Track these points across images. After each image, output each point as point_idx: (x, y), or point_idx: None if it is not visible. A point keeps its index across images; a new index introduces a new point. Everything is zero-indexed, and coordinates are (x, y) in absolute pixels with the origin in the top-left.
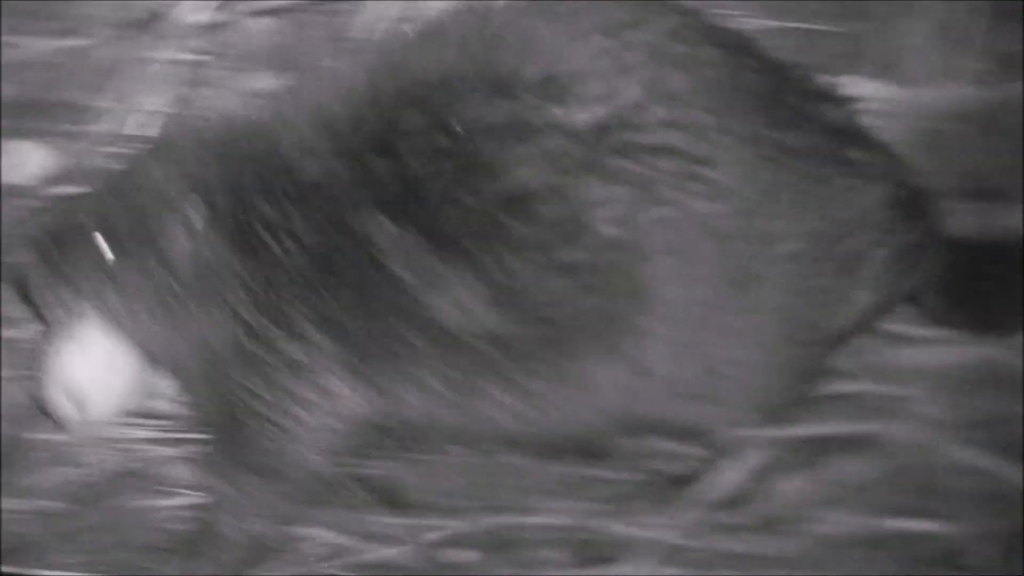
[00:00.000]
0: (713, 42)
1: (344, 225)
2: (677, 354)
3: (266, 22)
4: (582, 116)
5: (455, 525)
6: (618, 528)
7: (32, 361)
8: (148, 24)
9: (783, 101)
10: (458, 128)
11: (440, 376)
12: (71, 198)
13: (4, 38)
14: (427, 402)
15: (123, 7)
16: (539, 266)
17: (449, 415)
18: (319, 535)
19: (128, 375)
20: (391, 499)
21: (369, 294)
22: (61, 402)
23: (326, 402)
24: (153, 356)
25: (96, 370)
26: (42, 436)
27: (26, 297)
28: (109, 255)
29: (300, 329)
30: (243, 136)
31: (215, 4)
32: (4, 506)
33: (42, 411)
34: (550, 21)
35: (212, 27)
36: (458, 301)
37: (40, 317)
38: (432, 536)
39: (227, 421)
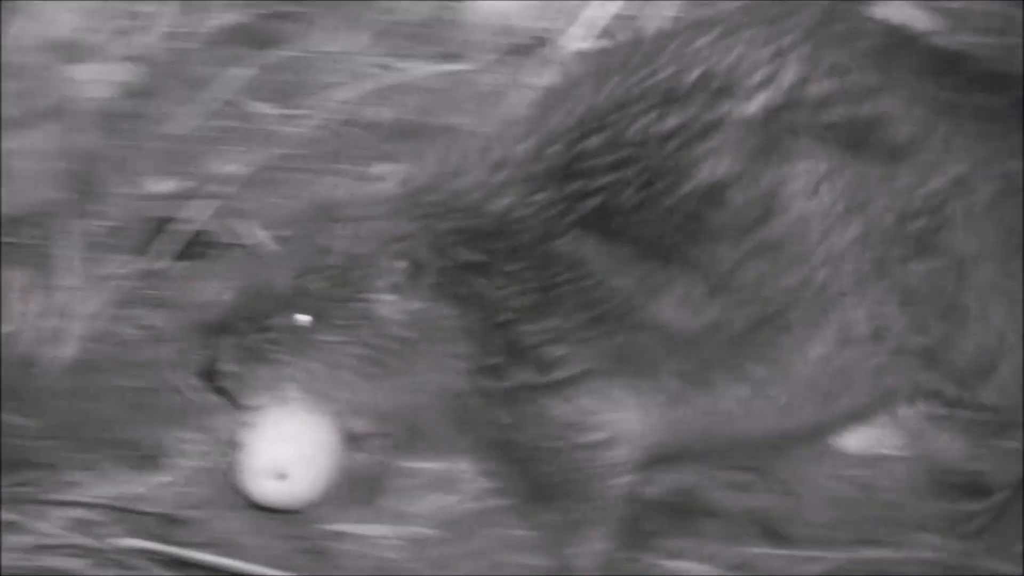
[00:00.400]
0: (871, 20)
1: (551, 253)
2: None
3: None
4: (751, 105)
5: (834, 557)
6: (992, 564)
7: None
8: (531, 50)
9: (951, 66)
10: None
11: (678, 377)
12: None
13: (386, 60)
14: (674, 411)
15: (508, 32)
16: (741, 250)
17: (692, 420)
18: (689, 568)
19: (331, 450)
20: (768, 530)
21: (598, 311)
22: (266, 483)
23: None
24: (363, 413)
25: (298, 447)
26: (417, 464)
27: (216, 384)
28: (306, 322)
29: (528, 347)
30: (423, 189)
31: (597, 32)
32: (377, 532)
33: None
34: (701, 29)
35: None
36: (679, 299)
37: (233, 401)
38: (814, 568)
39: (509, 463)
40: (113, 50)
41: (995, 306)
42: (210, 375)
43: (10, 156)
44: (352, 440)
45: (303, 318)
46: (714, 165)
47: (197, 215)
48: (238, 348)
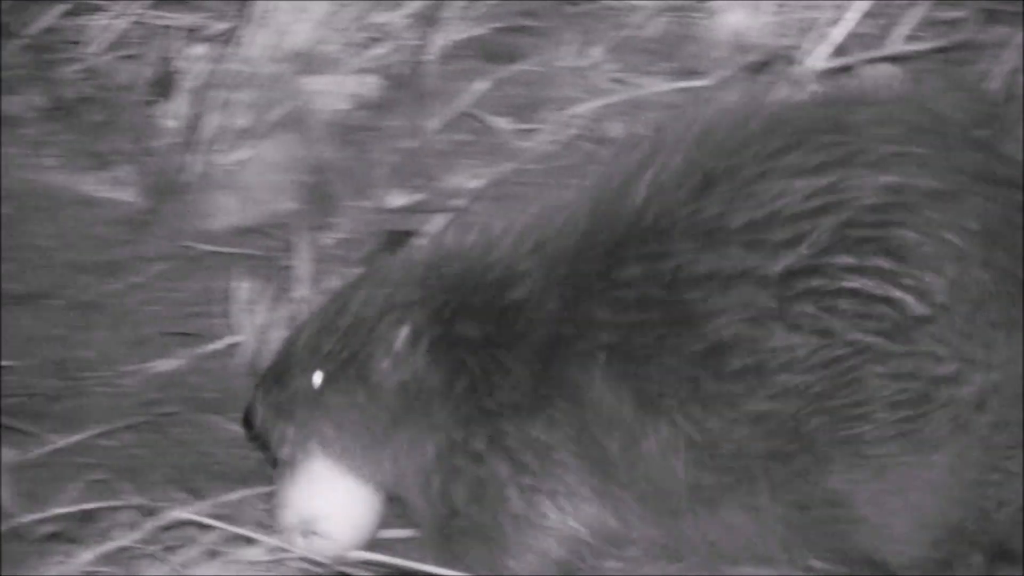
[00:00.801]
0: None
1: (551, 368)
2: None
3: (884, 68)
4: (775, 264)
5: None
6: None
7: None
8: (767, 67)
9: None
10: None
11: (641, 509)
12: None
13: (622, 75)
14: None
15: (744, 49)
16: (727, 419)
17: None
18: None
19: (362, 504)
20: None
21: (575, 431)
22: (298, 538)
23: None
24: (371, 481)
25: (329, 503)
26: None
27: (254, 435)
28: (317, 383)
29: (507, 445)
30: (449, 257)
31: (834, 48)
32: None
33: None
34: (760, 161)
35: (832, 72)
36: (655, 455)
37: (269, 454)
38: None
39: (453, 539)
40: (349, 62)
41: None
42: (248, 424)
43: (243, 167)
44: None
45: (317, 377)
46: (722, 324)
47: (431, 228)
48: (264, 405)
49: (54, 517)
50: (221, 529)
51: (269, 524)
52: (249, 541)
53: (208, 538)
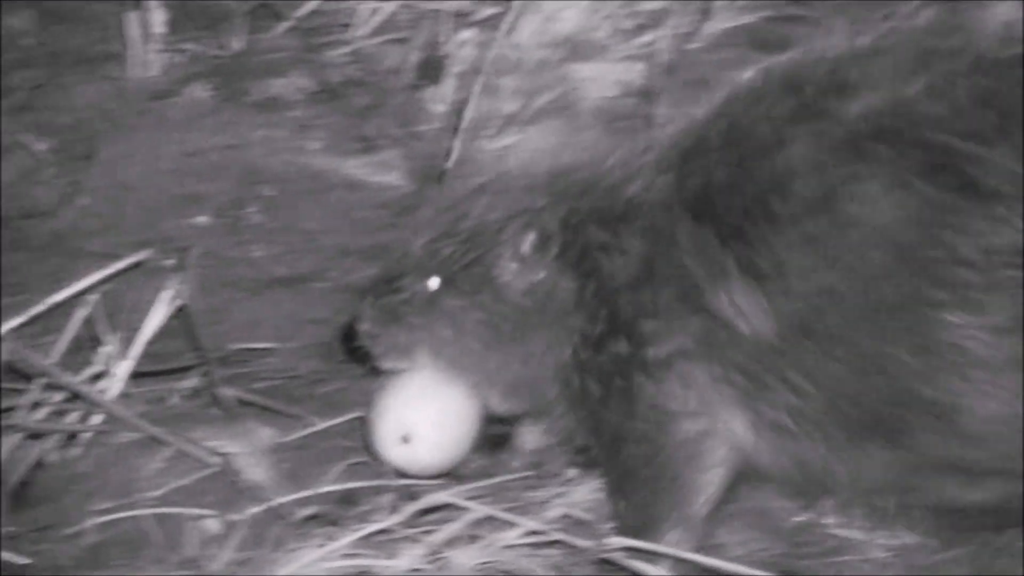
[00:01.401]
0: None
1: (654, 229)
2: None
3: None
4: (856, 104)
5: None
6: None
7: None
8: None
9: None
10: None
11: (728, 370)
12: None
13: None
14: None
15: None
16: (789, 240)
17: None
18: None
19: (461, 416)
20: None
21: (681, 290)
22: (393, 447)
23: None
24: (487, 386)
25: (429, 413)
26: None
27: (353, 347)
28: (434, 287)
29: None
30: (570, 166)
31: None
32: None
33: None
34: None
35: None
36: (740, 294)
37: (370, 362)
38: None
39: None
40: (616, 48)
41: None
42: (349, 337)
43: (507, 152)
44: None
45: (433, 281)
46: (794, 152)
47: None
48: (376, 309)
49: (314, 498)
50: (479, 512)
51: (527, 508)
52: (507, 524)
53: (466, 521)
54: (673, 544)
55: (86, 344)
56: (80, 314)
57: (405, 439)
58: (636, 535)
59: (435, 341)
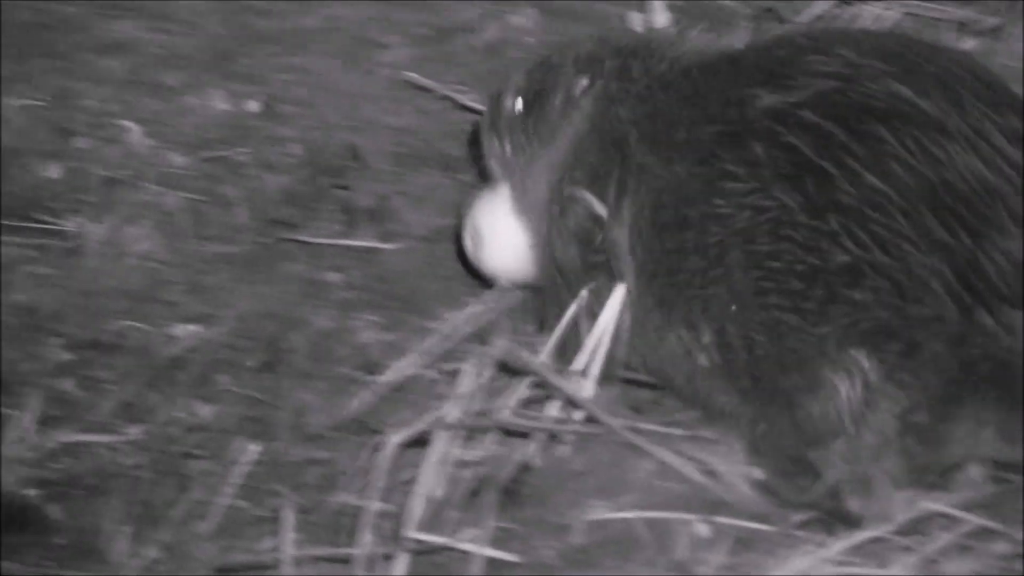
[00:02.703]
0: None
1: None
2: None
3: None
4: (768, 99)
5: None
6: None
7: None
8: None
9: None
10: None
11: None
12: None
13: None
14: None
15: None
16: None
17: None
18: None
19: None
20: None
21: None
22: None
23: None
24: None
25: (497, 223)
26: None
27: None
28: (518, 109)
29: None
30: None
31: None
32: None
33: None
34: None
35: None
36: None
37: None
38: None
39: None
40: None
41: None
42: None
43: None
44: None
45: (518, 103)
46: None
47: None
48: (489, 118)
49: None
50: (975, 522)
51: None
52: (1000, 535)
53: (958, 531)
54: None
55: (569, 342)
56: (570, 311)
57: (477, 240)
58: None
59: (514, 158)
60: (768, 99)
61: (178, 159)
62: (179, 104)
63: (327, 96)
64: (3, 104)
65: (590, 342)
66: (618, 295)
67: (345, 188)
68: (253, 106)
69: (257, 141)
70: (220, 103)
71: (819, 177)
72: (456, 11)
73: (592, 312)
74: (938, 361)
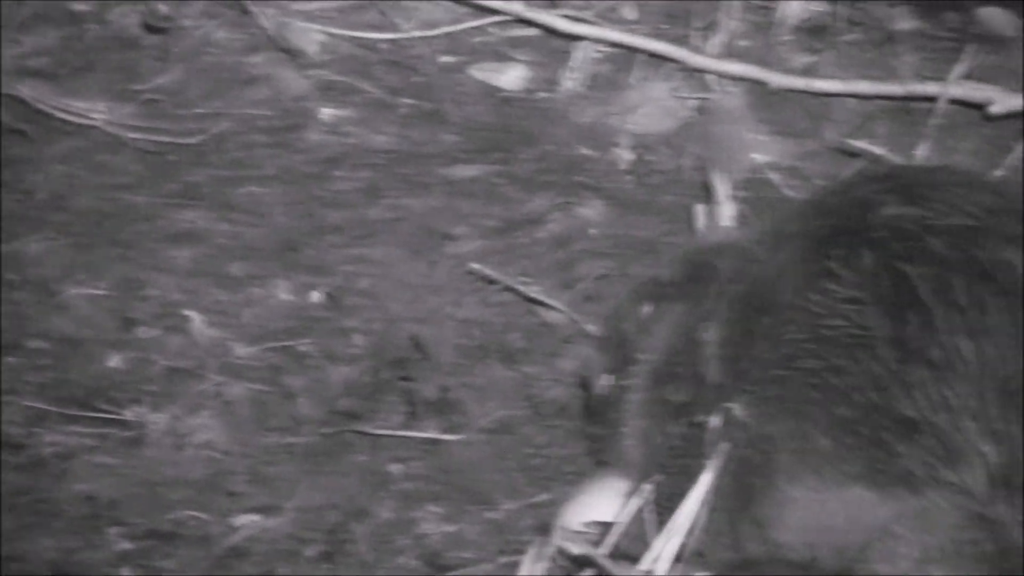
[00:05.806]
0: None
1: None
2: None
3: None
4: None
5: None
6: None
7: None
8: None
9: None
10: None
11: None
12: None
13: None
14: None
15: None
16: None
17: None
18: None
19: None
20: None
21: None
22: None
23: None
24: None
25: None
26: None
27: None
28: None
29: None
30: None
31: None
32: None
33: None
34: None
35: None
36: None
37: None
38: None
39: None
40: None
41: None
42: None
43: None
44: None
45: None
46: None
47: None
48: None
49: None
50: None
51: None
52: None
53: None
54: None
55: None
56: (635, 503)
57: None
58: None
59: None
60: (896, 209)
61: (241, 350)
62: (243, 294)
63: (391, 287)
64: (66, 293)
65: (659, 541)
66: (703, 484)
67: (408, 379)
68: (317, 297)
69: (321, 332)
70: (284, 294)
71: (922, 321)
72: (523, 202)
73: (659, 506)
74: (948, 526)
